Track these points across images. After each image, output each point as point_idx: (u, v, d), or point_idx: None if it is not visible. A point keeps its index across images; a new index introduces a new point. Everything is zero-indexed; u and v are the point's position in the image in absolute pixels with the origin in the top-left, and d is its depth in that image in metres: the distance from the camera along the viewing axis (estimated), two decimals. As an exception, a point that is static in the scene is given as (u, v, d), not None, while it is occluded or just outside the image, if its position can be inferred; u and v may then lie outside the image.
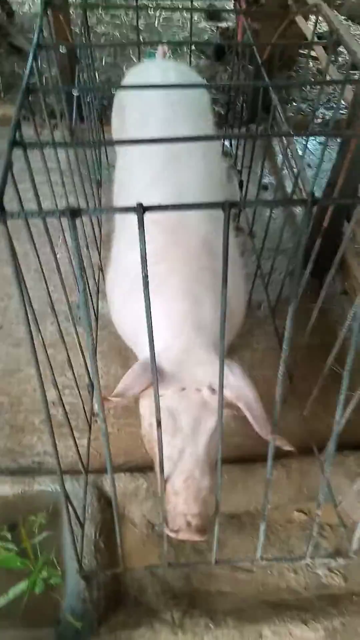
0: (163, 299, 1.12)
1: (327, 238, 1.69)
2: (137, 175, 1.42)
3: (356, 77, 3.16)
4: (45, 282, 1.17)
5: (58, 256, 1.42)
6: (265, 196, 2.75)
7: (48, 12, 1.31)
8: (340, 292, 2.10)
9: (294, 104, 3.75)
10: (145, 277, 0.79)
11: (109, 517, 1.45)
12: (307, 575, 1.43)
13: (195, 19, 5.19)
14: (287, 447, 1.08)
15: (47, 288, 1.17)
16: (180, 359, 1.06)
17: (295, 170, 2.75)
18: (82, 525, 1.32)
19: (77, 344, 1.49)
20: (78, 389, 1.45)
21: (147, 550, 1.45)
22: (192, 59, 4.25)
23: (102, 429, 0.97)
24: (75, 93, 1.36)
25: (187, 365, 1.05)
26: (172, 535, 1.02)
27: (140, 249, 0.76)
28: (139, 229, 0.75)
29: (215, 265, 1.19)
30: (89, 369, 1.70)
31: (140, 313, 1.15)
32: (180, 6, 5.04)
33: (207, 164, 1.42)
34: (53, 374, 1.11)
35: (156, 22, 4.93)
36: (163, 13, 5.12)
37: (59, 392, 1.17)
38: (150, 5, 4.82)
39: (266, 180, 2.91)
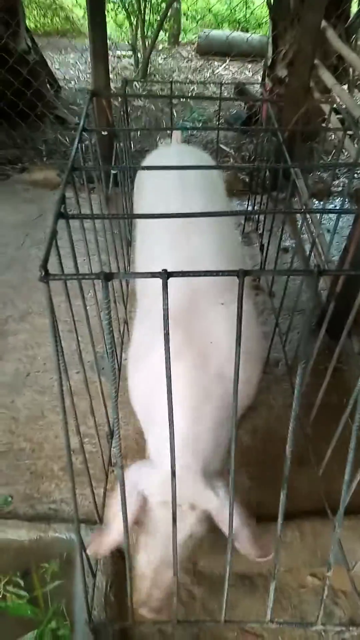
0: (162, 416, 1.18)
1: (341, 300, 1.76)
2: (151, 252, 1.52)
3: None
4: (76, 332, 1.26)
5: (87, 309, 1.53)
6: (285, 258, 2.87)
7: (93, 99, 1.49)
8: (357, 352, 2.14)
9: (317, 172, 3.97)
10: (167, 335, 0.88)
11: (121, 569, 1.46)
12: (320, 645, 1.39)
13: (226, 93, 5.62)
14: (265, 558, 1.20)
15: (77, 338, 1.26)
16: (166, 477, 1.10)
17: (314, 235, 2.89)
18: (94, 575, 1.33)
19: (100, 393, 1.56)
20: (98, 438, 1.51)
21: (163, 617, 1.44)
22: (220, 132, 4.60)
23: (118, 478, 1.02)
24: (113, 171, 1.50)
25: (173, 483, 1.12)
26: (137, 609, 1.16)
27: (163, 310, 0.85)
28: (162, 292, 0.84)
29: (221, 370, 1.20)
30: (110, 418, 1.77)
31: (152, 388, 1.23)
32: (210, 92, 5.45)
33: (218, 239, 1.48)
34: (77, 421, 1.18)
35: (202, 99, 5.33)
36: (195, 88, 5.57)
37: (81, 439, 1.23)
38: (183, 96, 5.24)
39: (287, 243, 3.05)
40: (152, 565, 1.15)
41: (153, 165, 1.72)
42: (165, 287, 0.84)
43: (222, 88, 6.16)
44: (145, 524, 1.17)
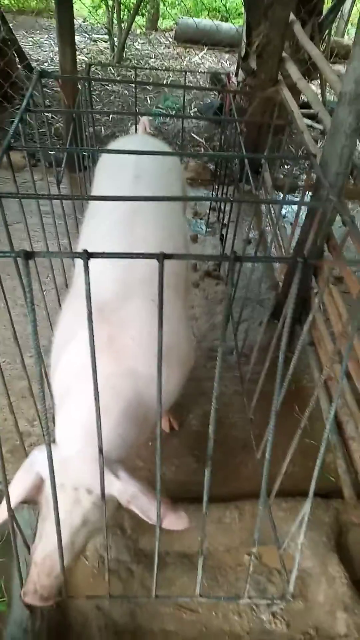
0: (70, 402, 1.20)
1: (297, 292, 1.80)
2: (94, 230, 1.52)
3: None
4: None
5: (45, 293, 1.54)
6: (248, 250, 2.91)
7: (43, 80, 1.49)
8: (308, 343, 2.20)
9: (287, 166, 4.01)
10: (90, 315, 0.90)
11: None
12: (251, 620, 1.44)
13: (202, 82, 5.61)
14: (181, 526, 1.19)
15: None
16: (65, 460, 1.13)
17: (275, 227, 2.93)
18: (30, 553, 1.35)
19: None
20: (39, 420, 1.52)
21: (96, 583, 1.47)
22: (194, 121, 4.60)
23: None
24: (60, 155, 1.50)
25: (71, 466, 1.12)
26: (22, 597, 1.13)
27: (85, 291, 0.87)
28: (84, 273, 0.86)
29: (134, 380, 1.22)
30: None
31: (64, 379, 1.25)
32: (186, 80, 5.42)
33: (162, 228, 1.48)
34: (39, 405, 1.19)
35: (166, 86, 5.29)
36: (171, 75, 5.54)
37: (14, 416, 1.24)
38: (146, 82, 5.19)
39: (251, 235, 3.09)
40: (44, 551, 1.13)
41: (109, 149, 1.72)
42: (86, 268, 0.86)
43: (199, 77, 6.11)
44: (42, 509, 1.17)
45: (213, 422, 1.03)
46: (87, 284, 0.87)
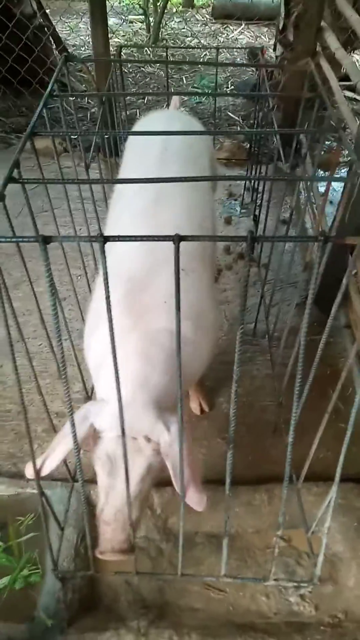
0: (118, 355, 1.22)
1: (331, 273, 1.75)
2: (121, 213, 1.53)
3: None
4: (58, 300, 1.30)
5: (78, 279, 1.57)
6: (282, 230, 2.84)
7: (71, 64, 1.48)
8: (344, 325, 2.14)
9: (327, 142, 3.85)
10: (108, 298, 0.90)
11: (93, 524, 1.53)
12: (279, 601, 1.45)
13: (239, 59, 5.46)
14: (199, 507, 1.18)
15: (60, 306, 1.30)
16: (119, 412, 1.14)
17: (313, 207, 2.84)
18: (61, 528, 1.41)
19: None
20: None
21: (126, 560, 1.51)
22: (230, 99, 4.49)
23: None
24: (73, 137, 1.51)
25: (127, 417, 1.12)
26: (99, 556, 1.15)
27: (103, 276, 0.88)
28: (100, 256, 0.87)
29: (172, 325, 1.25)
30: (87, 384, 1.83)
31: (101, 350, 1.26)
32: (222, 58, 5.27)
33: (189, 207, 1.49)
34: (67, 386, 1.22)
35: (197, 64, 5.20)
36: (207, 54, 5.42)
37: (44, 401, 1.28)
38: (180, 62, 5.09)
39: (286, 215, 3.00)
40: (115, 507, 1.13)
41: (131, 131, 1.71)
42: (102, 251, 0.87)
43: (236, 53, 5.95)
44: (103, 466, 1.17)
45: (233, 403, 1.03)
46: (104, 267, 0.87)
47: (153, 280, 1.28)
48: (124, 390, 1.16)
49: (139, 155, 1.71)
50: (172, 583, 1.46)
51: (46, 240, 0.85)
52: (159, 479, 1.23)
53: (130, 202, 1.48)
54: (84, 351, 1.39)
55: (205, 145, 1.90)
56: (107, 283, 0.88)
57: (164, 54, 5.23)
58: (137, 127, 2.05)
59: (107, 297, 0.90)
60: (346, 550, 1.50)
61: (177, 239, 0.85)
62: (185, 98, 4.32)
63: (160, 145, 1.63)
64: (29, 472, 1.19)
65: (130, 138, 1.84)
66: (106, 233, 1.64)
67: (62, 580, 1.39)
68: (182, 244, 0.84)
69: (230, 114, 4.21)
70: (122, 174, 1.76)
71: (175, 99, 2.36)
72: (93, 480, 1.65)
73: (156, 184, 1.43)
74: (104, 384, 1.24)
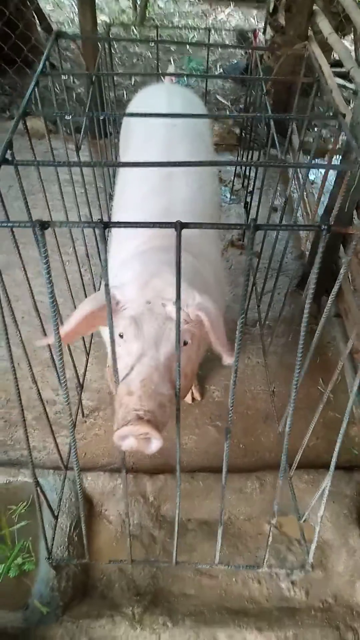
0: (136, 254, 1.23)
1: (322, 262, 1.75)
2: (132, 193, 1.52)
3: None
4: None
5: (66, 264, 1.54)
6: (274, 218, 2.82)
7: (63, 41, 1.43)
8: (333, 314, 2.15)
9: (315, 129, 3.83)
10: (107, 286, 0.88)
11: (86, 513, 1.53)
12: (271, 587, 1.47)
13: (227, 41, 5.37)
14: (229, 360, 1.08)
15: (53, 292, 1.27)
16: (147, 279, 1.11)
17: (305, 195, 2.83)
18: (55, 517, 1.40)
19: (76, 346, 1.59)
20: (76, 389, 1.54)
21: (119, 547, 1.51)
22: (218, 83, 4.42)
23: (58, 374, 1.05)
24: (67, 117, 1.46)
25: (155, 283, 1.10)
26: (117, 436, 0.94)
27: (102, 261, 0.86)
28: (99, 242, 0.84)
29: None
30: (79, 371, 1.80)
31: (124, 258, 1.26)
32: (212, 39, 5.17)
33: (198, 185, 1.51)
34: (58, 374, 1.19)
35: (188, 44, 5.10)
36: (195, 35, 5.32)
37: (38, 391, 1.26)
38: (169, 42, 5.00)
39: (277, 202, 2.99)
40: (141, 375, 0.97)
41: (129, 113, 1.67)
42: (102, 237, 0.84)
43: (225, 35, 5.86)
44: (126, 329, 1.07)
45: (232, 394, 1.02)
46: (104, 253, 0.85)
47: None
48: (151, 264, 1.17)
49: (145, 131, 1.68)
50: (165, 569, 1.47)
51: (43, 225, 0.82)
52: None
53: (142, 179, 1.49)
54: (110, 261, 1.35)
55: (206, 126, 1.90)
56: (107, 275, 0.86)
57: (152, 34, 5.11)
58: (136, 100, 2.01)
59: (109, 302, 0.87)
60: (336, 537, 1.52)
61: (179, 226, 0.83)
62: (175, 79, 4.24)
63: (167, 121, 1.61)
64: (48, 340, 1.16)
65: (130, 119, 1.81)
66: (115, 209, 1.63)
67: (56, 569, 1.38)
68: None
69: (219, 97, 4.15)
70: (128, 150, 1.73)
71: (168, 78, 2.32)
72: (85, 468, 1.66)
73: (168, 155, 1.47)
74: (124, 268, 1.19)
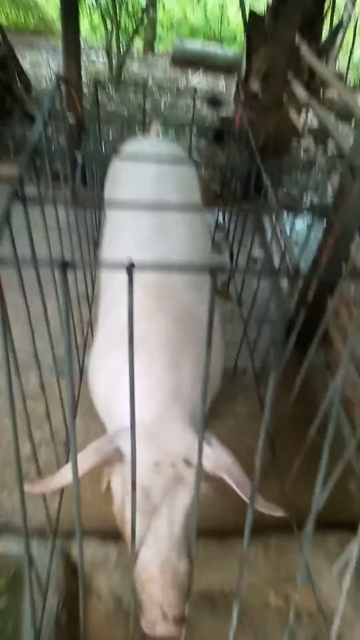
0: (140, 362, 1.07)
1: (311, 312, 1.74)
2: (125, 241, 1.47)
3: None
4: (32, 332, 1.17)
5: (48, 309, 1.44)
6: (254, 268, 2.86)
7: (61, 86, 1.43)
8: (323, 364, 2.13)
9: (285, 190, 4.00)
10: (131, 336, 0.81)
11: (74, 587, 1.36)
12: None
13: (198, 107, 5.66)
14: (277, 513, 1.01)
15: (33, 338, 1.17)
16: (153, 431, 0.99)
17: (282, 245, 2.89)
18: (44, 597, 1.23)
19: (59, 398, 1.47)
20: (54, 445, 1.41)
21: (112, 628, 1.34)
22: (193, 140, 4.60)
23: (74, 491, 0.93)
24: (80, 160, 1.44)
25: (161, 437, 0.98)
26: (148, 631, 0.90)
27: (128, 307, 0.79)
28: (128, 286, 0.78)
29: (196, 333, 1.18)
30: (68, 425, 1.67)
31: (115, 376, 1.15)
32: (183, 103, 5.46)
33: (193, 234, 1.49)
34: (29, 427, 1.08)
35: (162, 107, 5.34)
36: (169, 98, 5.58)
37: (34, 447, 1.13)
38: (155, 88, 5.25)
39: (256, 253, 3.04)
40: (160, 556, 0.90)
41: (124, 157, 1.66)
42: (130, 281, 0.78)
43: (195, 99, 6.20)
44: (138, 505, 0.93)
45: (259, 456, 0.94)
46: (130, 295, 0.78)
47: (171, 290, 1.22)
48: (153, 405, 1.04)
49: (133, 179, 1.66)
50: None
51: (65, 265, 0.75)
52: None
53: (134, 227, 1.43)
54: (91, 387, 1.28)
55: (193, 170, 1.92)
56: (132, 319, 0.79)
57: (128, 95, 5.33)
58: (124, 152, 2.02)
59: (130, 328, 0.80)
60: (348, 608, 1.41)
61: (214, 271, 0.78)
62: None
63: (155, 169, 1.60)
64: (32, 488, 1.01)
65: (119, 163, 1.80)
66: (105, 255, 1.57)
67: (40, 659, 1.19)
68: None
69: (194, 158, 4.30)
70: (115, 196, 1.71)
71: (156, 126, 2.36)
72: (70, 533, 1.50)
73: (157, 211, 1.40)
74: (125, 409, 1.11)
